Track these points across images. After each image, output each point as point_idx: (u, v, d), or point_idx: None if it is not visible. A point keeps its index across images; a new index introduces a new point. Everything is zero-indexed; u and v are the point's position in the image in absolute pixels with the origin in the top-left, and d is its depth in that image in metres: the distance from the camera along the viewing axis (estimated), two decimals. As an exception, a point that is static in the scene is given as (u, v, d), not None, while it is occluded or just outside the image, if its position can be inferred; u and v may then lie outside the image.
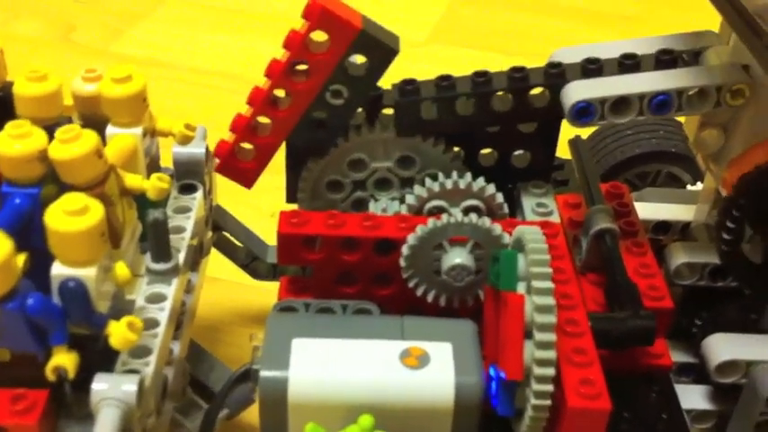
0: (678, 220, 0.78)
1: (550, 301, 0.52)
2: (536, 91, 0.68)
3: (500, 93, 0.67)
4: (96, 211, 0.53)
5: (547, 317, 0.52)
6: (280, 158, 0.77)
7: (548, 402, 0.52)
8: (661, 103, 0.63)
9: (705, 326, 0.71)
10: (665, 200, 0.80)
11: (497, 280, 0.57)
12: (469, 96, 0.67)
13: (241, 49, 1.40)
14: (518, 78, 0.67)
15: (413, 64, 0.79)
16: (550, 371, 0.52)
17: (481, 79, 0.67)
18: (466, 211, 0.66)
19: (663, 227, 0.77)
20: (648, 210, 0.77)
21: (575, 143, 0.75)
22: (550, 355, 0.52)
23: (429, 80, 0.68)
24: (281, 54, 0.68)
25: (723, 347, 0.63)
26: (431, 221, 0.61)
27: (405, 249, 0.62)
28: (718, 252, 0.65)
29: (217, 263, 0.83)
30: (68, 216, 0.52)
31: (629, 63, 0.66)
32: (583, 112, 0.62)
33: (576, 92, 0.63)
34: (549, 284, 0.53)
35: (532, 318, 0.52)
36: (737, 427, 0.63)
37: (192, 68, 1.33)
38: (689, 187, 0.90)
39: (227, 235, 0.82)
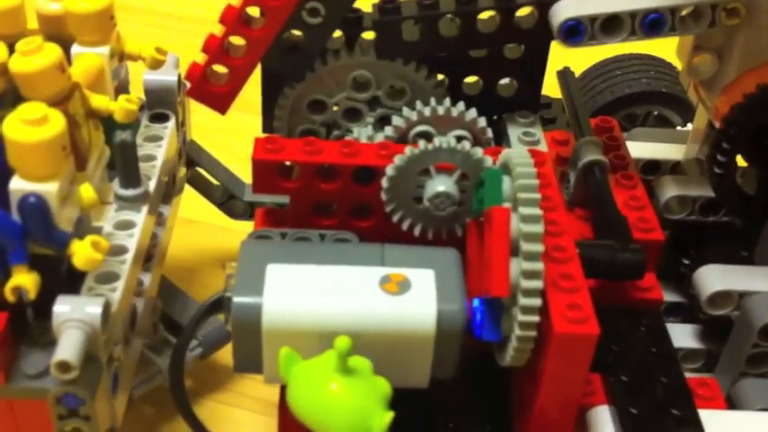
0: (668, 159, 0.76)
1: (537, 211, 0.50)
2: (524, 11, 0.65)
3: (486, 12, 0.64)
4: (57, 121, 0.50)
5: (534, 226, 0.50)
6: (255, 98, 0.74)
7: (535, 318, 0.49)
8: (654, 21, 0.60)
9: (694, 263, 0.69)
10: (654, 140, 0.78)
11: (481, 204, 0.55)
12: (454, 16, 0.64)
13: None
14: (505, -1, 0.64)
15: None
16: (538, 283, 0.49)
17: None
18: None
19: (652, 166, 0.75)
20: (638, 149, 0.75)
21: (563, 74, 0.72)
22: (537, 266, 0.49)
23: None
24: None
25: (716, 278, 0.61)
26: (409, 148, 0.58)
27: (385, 180, 0.59)
28: (710, 183, 0.62)
29: (191, 204, 0.80)
30: (27, 126, 0.49)
31: (619, -19, 0.63)
32: (572, 32, 0.59)
33: (566, 10, 0.60)
34: (535, 195, 0.50)
35: (519, 232, 0.50)
36: (728, 361, 0.61)
37: (164, 13, 1.29)
38: (678, 128, 0.88)
39: (203, 172, 0.79)
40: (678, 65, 0.91)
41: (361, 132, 0.68)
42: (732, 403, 0.59)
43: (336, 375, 0.48)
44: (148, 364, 0.66)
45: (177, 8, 1.32)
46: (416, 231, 0.60)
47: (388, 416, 0.48)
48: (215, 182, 0.80)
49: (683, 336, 0.68)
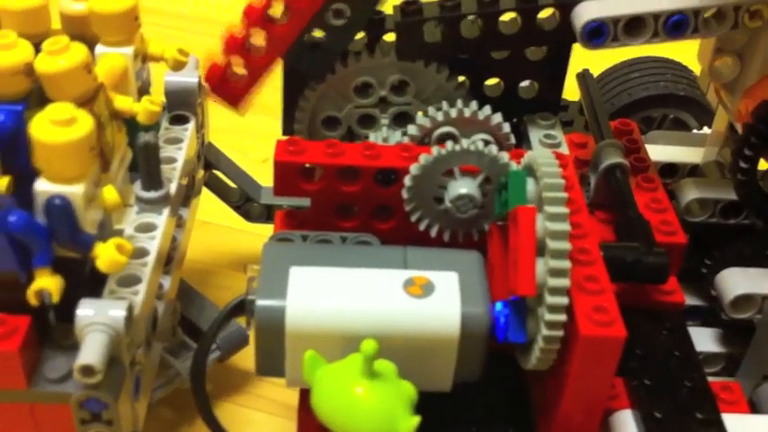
0: (686, 163, 0.75)
1: (563, 210, 0.50)
2: (545, 12, 0.65)
3: (508, 14, 0.64)
4: (85, 122, 0.49)
5: (560, 225, 0.49)
6: (272, 101, 0.74)
7: (562, 317, 0.49)
8: (677, 23, 0.60)
9: (714, 266, 0.68)
10: (671, 143, 0.78)
11: (504, 207, 0.54)
12: (476, 17, 0.64)
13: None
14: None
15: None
16: (565, 281, 0.49)
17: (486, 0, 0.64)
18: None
19: (670, 169, 0.75)
20: (655, 152, 0.75)
21: (582, 76, 0.72)
22: (564, 264, 0.49)
23: (432, 1, 0.65)
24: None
25: (739, 281, 0.60)
26: (435, 149, 0.58)
27: (408, 178, 0.59)
28: (734, 183, 0.62)
29: (207, 206, 0.80)
30: (55, 126, 0.49)
31: (642, -17, 0.62)
32: (595, 33, 0.59)
33: (589, 11, 0.60)
34: (562, 195, 0.50)
35: (545, 231, 0.50)
36: (751, 364, 0.61)
37: (178, 14, 1.29)
38: (694, 132, 0.88)
39: (220, 174, 0.79)
40: (695, 68, 0.92)
41: (377, 135, 0.68)
42: (754, 407, 0.59)
43: (362, 379, 0.48)
44: (167, 366, 0.66)
45: (193, 10, 1.32)
46: (433, 232, 0.60)
47: (415, 420, 0.47)
48: (232, 184, 0.80)
49: (702, 339, 0.68)
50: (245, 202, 0.80)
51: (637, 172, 0.67)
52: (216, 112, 0.77)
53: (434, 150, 0.58)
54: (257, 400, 0.75)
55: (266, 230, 0.85)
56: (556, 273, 0.49)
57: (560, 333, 0.50)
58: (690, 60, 0.92)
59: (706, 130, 0.86)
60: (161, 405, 0.69)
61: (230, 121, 0.88)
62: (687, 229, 0.68)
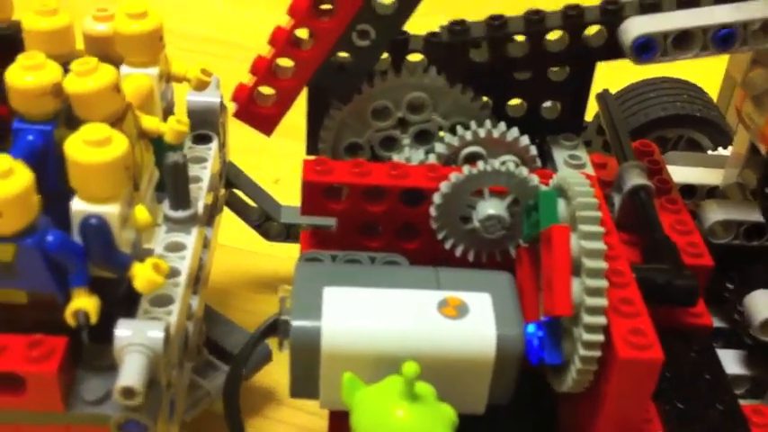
0: (704, 184, 0.76)
1: (598, 229, 0.50)
2: (591, 30, 0.66)
3: (555, 31, 0.64)
4: (120, 142, 0.49)
5: (596, 243, 0.50)
6: (285, 120, 0.73)
7: (600, 338, 0.49)
8: (726, 36, 0.60)
9: (737, 288, 0.68)
10: (689, 164, 0.78)
11: (533, 229, 0.54)
12: (523, 36, 0.64)
13: (246, 17, 1.37)
14: (574, 16, 0.64)
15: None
16: (602, 301, 0.49)
17: (535, 17, 0.64)
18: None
19: (688, 190, 0.75)
20: (674, 173, 0.75)
21: (603, 97, 0.72)
22: (601, 283, 0.49)
23: (479, 21, 0.65)
24: (285, 22, 0.65)
25: (768, 304, 0.60)
26: (467, 168, 0.58)
27: (437, 196, 0.59)
28: (762, 208, 0.62)
29: (223, 228, 0.79)
30: (91, 147, 0.48)
31: (688, -2, 0.63)
32: (644, 48, 0.59)
33: (638, 26, 0.60)
34: (596, 213, 0.50)
35: (579, 251, 0.50)
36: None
37: (197, 37, 1.29)
38: (710, 153, 0.88)
39: (239, 193, 0.79)
40: (707, 89, 0.92)
41: (401, 155, 0.68)
42: (784, 430, 0.59)
43: (402, 402, 0.48)
44: (195, 387, 0.66)
45: (214, 32, 1.32)
46: (458, 252, 0.60)
47: (457, 443, 0.47)
48: (252, 203, 0.80)
49: (727, 362, 0.67)
50: (264, 221, 0.80)
51: (660, 193, 0.68)
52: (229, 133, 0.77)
53: (465, 169, 0.58)
54: (277, 425, 0.75)
55: (283, 252, 0.85)
56: (593, 292, 0.49)
57: (598, 353, 0.50)
58: (702, 83, 0.94)
59: (721, 151, 0.87)
60: (185, 427, 0.68)
61: (242, 141, 0.88)
62: (710, 251, 0.68)
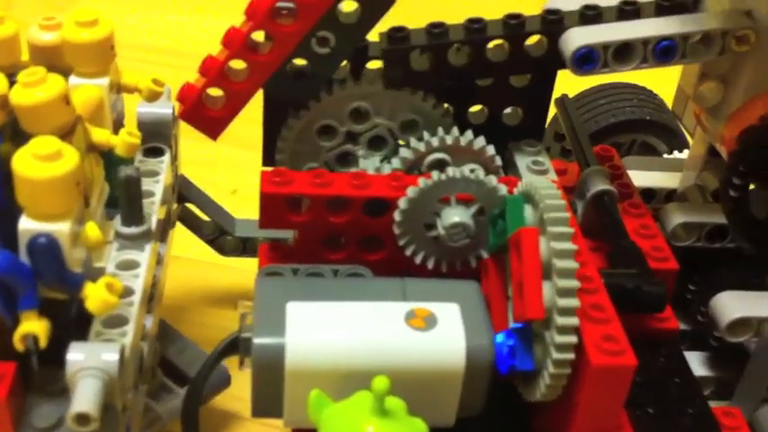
0: (663, 188, 0.76)
1: (568, 229, 0.49)
2: (532, 39, 0.64)
3: (495, 41, 0.63)
4: (71, 156, 0.47)
5: (566, 244, 0.49)
6: (241, 130, 0.72)
7: (573, 339, 0.48)
8: (665, 49, 0.60)
9: (700, 290, 0.68)
10: (645, 168, 0.78)
11: (500, 237, 0.53)
12: (463, 45, 0.63)
13: (199, 26, 1.35)
14: (514, 26, 0.63)
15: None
16: (574, 301, 0.48)
17: (476, 26, 0.63)
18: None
19: (647, 194, 0.75)
20: (632, 178, 0.75)
21: (562, 102, 0.72)
22: (572, 284, 0.48)
23: (419, 28, 0.64)
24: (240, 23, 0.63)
25: (735, 305, 0.60)
26: (435, 174, 0.57)
27: (401, 204, 0.57)
28: (724, 210, 0.62)
29: (178, 239, 0.77)
30: (40, 161, 0.46)
31: (628, 9, 0.62)
32: (585, 59, 0.59)
33: (578, 37, 0.59)
34: (565, 215, 0.50)
35: (549, 254, 0.49)
36: (748, 388, 0.61)
37: (148, 47, 1.27)
38: (665, 156, 0.88)
39: (192, 207, 0.76)
40: (660, 92, 0.93)
41: (366, 164, 0.66)
42: (755, 431, 0.59)
43: (373, 418, 0.46)
44: (147, 410, 0.63)
45: (166, 42, 1.30)
46: (418, 260, 0.59)
47: (431, 458, 0.46)
48: (205, 218, 0.77)
49: (691, 364, 0.67)
50: (219, 235, 0.77)
51: (623, 198, 0.67)
52: (181, 143, 0.75)
53: (435, 175, 0.57)
54: (239, 446, 0.73)
55: (239, 263, 0.83)
56: (564, 293, 0.48)
57: (571, 356, 0.48)
58: (654, 86, 0.94)
59: (677, 154, 0.87)
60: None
61: (196, 153, 0.86)
62: (673, 254, 0.68)
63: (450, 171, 0.56)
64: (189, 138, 0.73)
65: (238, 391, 0.69)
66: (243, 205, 0.81)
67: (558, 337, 0.48)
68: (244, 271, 0.82)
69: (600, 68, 0.60)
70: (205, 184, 0.80)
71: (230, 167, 1.01)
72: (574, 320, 0.48)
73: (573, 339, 0.48)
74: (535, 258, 0.49)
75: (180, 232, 0.77)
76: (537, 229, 0.50)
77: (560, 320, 0.48)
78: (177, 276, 0.83)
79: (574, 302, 0.48)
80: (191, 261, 0.86)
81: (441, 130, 0.63)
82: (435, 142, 0.62)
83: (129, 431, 0.51)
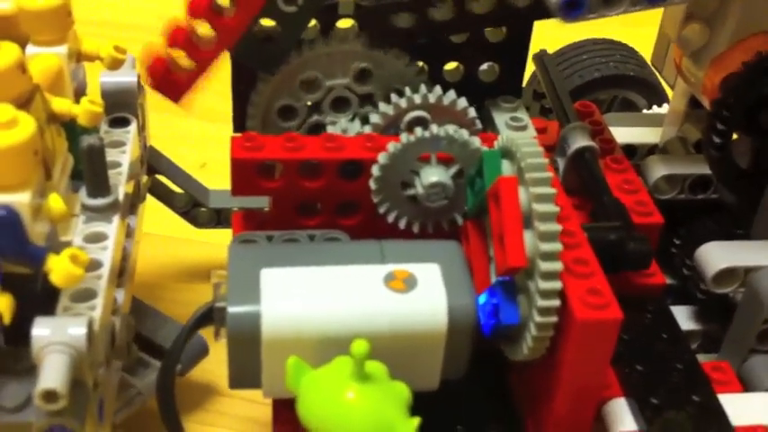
0: (645, 143, 0.74)
1: (547, 174, 0.48)
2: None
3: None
4: (27, 124, 0.45)
5: (544, 188, 0.48)
6: (209, 103, 0.70)
7: (558, 285, 0.46)
8: (656, -14, 0.58)
9: (686, 242, 0.67)
10: (627, 124, 0.77)
11: (478, 196, 0.52)
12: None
13: (158, 1, 1.31)
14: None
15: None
16: (557, 245, 0.46)
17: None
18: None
19: (629, 151, 0.74)
20: (613, 134, 0.73)
21: (540, 58, 0.70)
22: (554, 228, 0.47)
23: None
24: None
25: (721, 255, 0.58)
26: (404, 135, 0.55)
27: (380, 160, 0.56)
28: (708, 160, 0.61)
29: (148, 216, 0.75)
30: (-6, 129, 0.44)
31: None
32: (572, 4, 0.57)
33: (566, -18, 0.57)
34: (543, 160, 0.48)
35: (529, 200, 0.47)
36: (736, 340, 0.59)
37: (105, 22, 1.23)
38: (645, 111, 0.87)
39: (163, 179, 0.74)
40: (638, 49, 0.91)
41: (336, 128, 0.64)
42: (744, 383, 0.57)
43: (353, 383, 0.45)
44: (126, 386, 0.61)
45: (114, 16, 1.26)
46: (402, 224, 0.58)
47: (414, 422, 0.44)
48: (177, 189, 0.75)
49: (678, 317, 0.66)
50: (192, 207, 0.75)
51: (604, 154, 0.66)
52: (149, 118, 0.73)
53: (404, 137, 0.55)
54: (219, 417, 0.71)
55: (212, 238, 0.81)
56: (546, 237, 0.47)
57: (556, 303, 0.47)
58: (632, 42, 0.92)
59: (656, 109, 0.86)
60: (119, 428, 0.64)
61: (163, 127, 0.84)
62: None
63: (419, 131, 0.54)
64: (156, 111, 0.71)
65: (217, 363, 0.68)
66: (212, 179, 0.79)
67: (542, 283, 0.47)
68: (219, 246, 0.79)
69: (587, 14, 0.57)
70: (173, 158, 0.78)
71: (198, 141, 0.99)
72: (558, 265, 0.47)
73: (557, 285, 0.47)
74: (514, 206, 0.48)
75: (153, 209, 0.75)
76: (515, 178, 0.49)
77: (544, 266, 0.47)
78: (151, 253, 0.81)
79: (557, 246, 0.47)
80: (164, 237, 0.84)
81: (423, 88, 0.61)
82: (418, 99, 0.60)
83: (102, 407, 0.50)
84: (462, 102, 0.62)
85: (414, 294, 0.49)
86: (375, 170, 0.56)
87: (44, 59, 0.56)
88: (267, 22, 0.62)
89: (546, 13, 0.61)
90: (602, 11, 0.55)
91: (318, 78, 0.64)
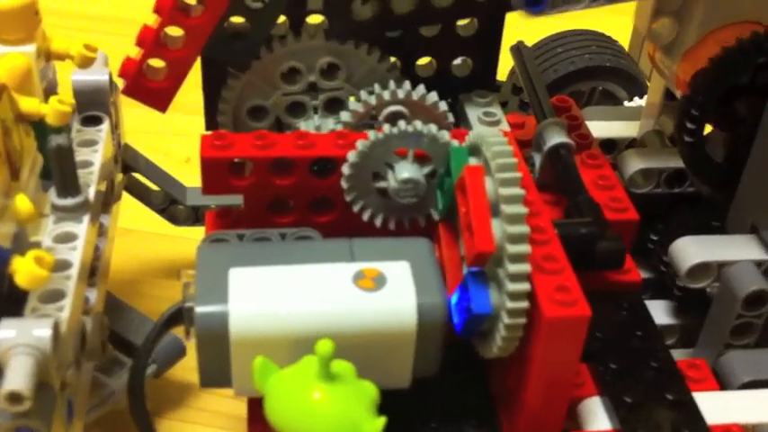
0: (624, 137, 0.74)
1: (512, 160, 0.48)
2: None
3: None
4: (-13, 125, 0.44)
5: (510, 173, 0.48)
6: (189, 98, 0.69)
7: (527, 267, 0.46)
8: (616, -18, 0.58)
9: (663, 237, 0.67)
10: (606, 118, 0.76)
11: (448, 195, 0.52)
12: None
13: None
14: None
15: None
16: (524, 228, 0.46)
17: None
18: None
19: (608, 145, 0.73)
20: (592, 128, 0.73)
21: (518, 50, 0.69)
22: (520, 210, 0.47)
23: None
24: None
25: (694, 250, 0.58)
26: (372, 133, 0.55)
27: (347, 166, 0.55)
28: (681, 154, 0.60)
29: (127, 212, 0.75)
30: (-46, 131, 0.43)
31: (575, -57, 0.60)
32: (534, 0, 0.57)
33: (525, -23, 0.57)
34: (509, 148, 0.48)
35: (496, 188, 0.47)
36: (710, 334, 0.59)
37: (82, 15, 1.23)
38: (626, 104, 0.86)
39: (140, 177, 0.74)
40: (618, 38, 0.91)
41: (308, 124, 0.64)
42: (719, 378, 0.57)
43: (319, 383, 0.45)
44: (100, 386, 0.61)
45: (93, 9, 1.26)
46: (378, 222, 0.57)
47: (380, 421, 0.44)
48: (154, 187, 0.75)
49: (655, 312, 0.65)
50: (169, 204, 0.75)
51: (580, 149, 0.65)
52: (130, 113, 0.72)
53: (371, 135, 0.55)
54: (199, 414, 0.71)
55: (193, 234, 0.80)
56: (514, 239, 0.47)
57: (527, 286, 0.47)
58: (610, 31, 0.92)
59: (637, 101, 0.86)
60: (95, 427, 0.64)
61: (146, 122, 0.83)
62: (632, 202, 0.67)
63: (386, 128, 0.54)
64: (139, 107, 0.70)
65: (193, 362, 0.68)
66: (197, 174, 0.78)
67: (511, 266, 0.46)
68: (196, 242, 0.80)
69: (549, 9, 0.57)
70: (158, 153, 0.78)
71: (183, 136, 0.98)
72: (525, 247, 0.46)
73: (527, 268, 0.46)
74: (481, 193, 0.48)
75: (130, 205, 0.75)
76: (481, 167, 0.49)
77: (512, 248, 0.46)
78: (128, 249, 0.81)
79: (524, 228, 0.47)
80: (141, 233, 0.84)
81: (392, 83, 0.61)
82: (387, 95, 0.60)
83: (71, 409, 0.49)
84: (433, 96, 0.61)
85: (383, 293, 0.49)
86: (346, 169, 0.56)
87: (11, 58, 0.56)
88: (236, 19, 0.61)
89: (509, 6, 0.61)
90: (564, 6, 0.54)
91: (300, 70, 0.63)
